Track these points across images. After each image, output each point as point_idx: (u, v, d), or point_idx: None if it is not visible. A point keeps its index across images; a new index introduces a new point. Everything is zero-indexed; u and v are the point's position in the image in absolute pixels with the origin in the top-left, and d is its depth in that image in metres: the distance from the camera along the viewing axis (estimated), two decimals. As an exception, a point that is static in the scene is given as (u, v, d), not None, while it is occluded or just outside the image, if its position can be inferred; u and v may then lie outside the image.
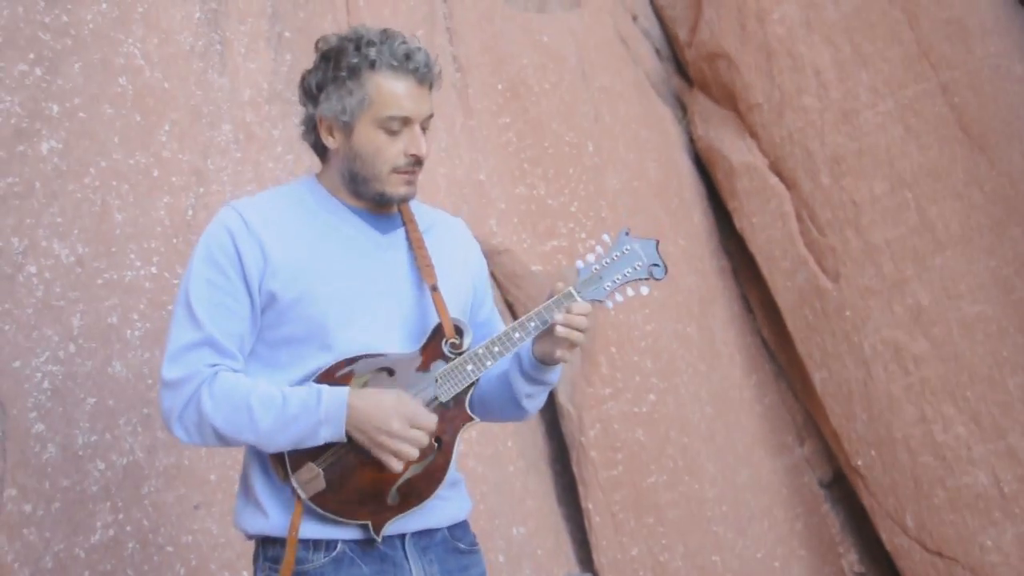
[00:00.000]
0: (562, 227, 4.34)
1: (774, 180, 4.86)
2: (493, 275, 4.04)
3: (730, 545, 4.35)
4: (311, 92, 1.99)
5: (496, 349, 1.94)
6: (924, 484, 4.43)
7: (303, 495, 1.87)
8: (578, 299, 1.96)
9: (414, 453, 1.85)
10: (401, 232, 2.04)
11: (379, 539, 1.90)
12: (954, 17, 4.68)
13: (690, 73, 5.29)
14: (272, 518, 1.91)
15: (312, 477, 1.87)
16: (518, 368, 2.04)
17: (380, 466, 1.87)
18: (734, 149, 4.97)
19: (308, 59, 2.08)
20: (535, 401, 2.10)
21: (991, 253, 4.51)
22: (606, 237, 2.04)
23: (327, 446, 1.87)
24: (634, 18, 5.30)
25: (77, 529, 2.57)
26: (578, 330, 1.93)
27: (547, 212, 4.33)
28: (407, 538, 1.96)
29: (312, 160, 2.15)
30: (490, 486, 3.64)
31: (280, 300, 1.91)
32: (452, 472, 1.99)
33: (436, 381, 1.93)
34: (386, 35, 1.95)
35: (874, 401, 4.54)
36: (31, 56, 2.82)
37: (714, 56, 5.03)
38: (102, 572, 2.59)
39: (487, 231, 4.03)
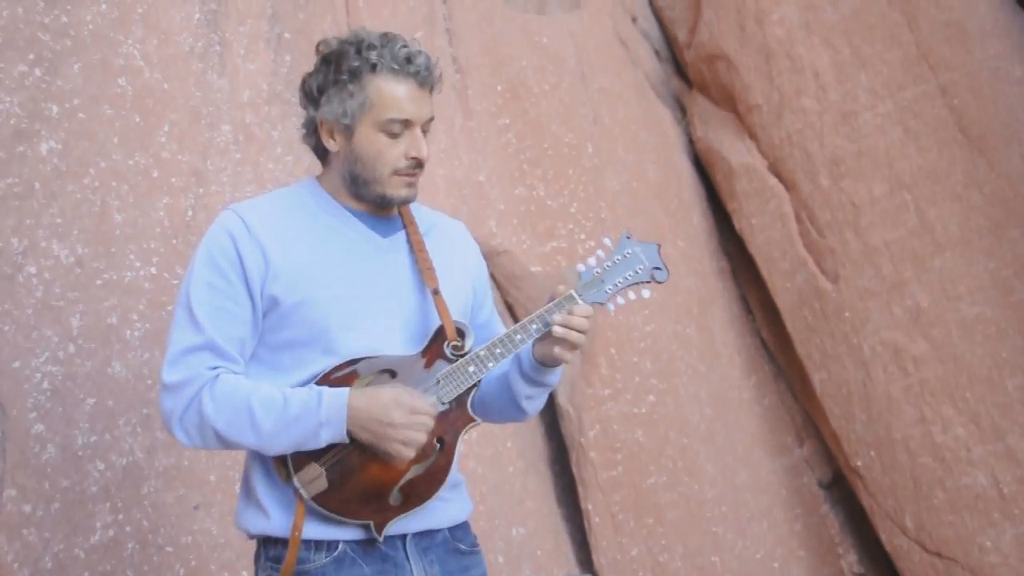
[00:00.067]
0: (561, 228, 4.34)
1: (773, 181, 4.86)
2: (493, 276, 4.04)
3: (730, 546, 4.35)
4: (312, 95, 1.99)
5: (498, 351, 1.94)
6: (923, 485, 4.43)
7: (305, 495, 1.87)
8: (580, 302, 1.97)
9: (422, 437, 1.85)
10: (402, 235, 2.04)
11: (381, 539, 1.91)
12: (953, 19, 4.68)
13: (689, 74, 5.29)
14: (274, 518, 1.91)
15: (315, 477, 1.87)
16: (518, 370, 2.04)
17: (383, 466, 1.88)
18: (733, 150, 4.97)
19: (308, 60, 2.08)
20: (535, 403, 2.11)
21: (990, 255, 4.52)
22: (607, 241, 2.05)
23: (330, 446, 1.87)
24: (633, 19, 5.30)
25: (77, 529, 2.57)
26: (577, 331, 1.94)
27: (546, 213, 4.33)
28: (408, 539, 1.96)
29: (312, 160, 2.16)
30: (490, 487, 3.64)
31: (282, 304, 1.91)
32: (454, 473, 2.00)
33: (438, 382, 1.93)
34: (387, 38, 1.95)
35: (873, 402, 4.54)
36: (31, 57, 2.81)
37: (713, 57, 5.03)
38: (102, 572, 2.59)
39: (486, 232, 4.03)
